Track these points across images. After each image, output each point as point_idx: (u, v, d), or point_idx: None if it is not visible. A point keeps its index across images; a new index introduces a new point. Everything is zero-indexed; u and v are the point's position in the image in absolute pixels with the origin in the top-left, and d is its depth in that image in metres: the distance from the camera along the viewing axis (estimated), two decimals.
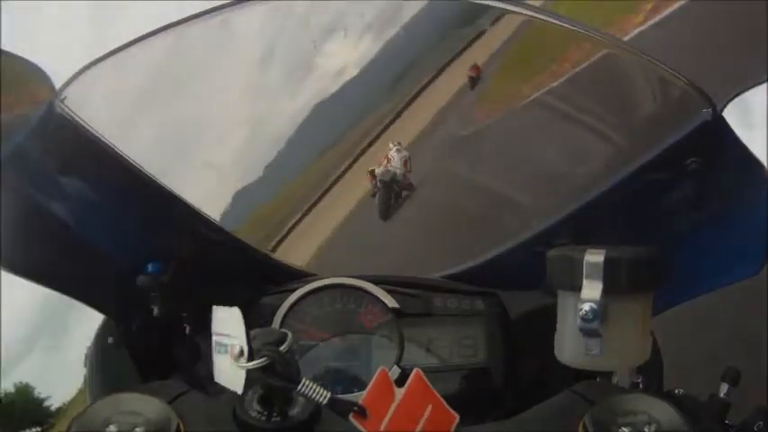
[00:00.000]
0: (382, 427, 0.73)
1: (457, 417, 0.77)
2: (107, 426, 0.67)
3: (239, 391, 0.71)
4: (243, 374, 0.70)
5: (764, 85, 0.93)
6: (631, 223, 1.13)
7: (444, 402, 0.78)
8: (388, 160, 3.80)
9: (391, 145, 3.86)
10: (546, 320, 0.92)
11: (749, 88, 0.97)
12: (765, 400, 0.88)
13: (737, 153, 0.97)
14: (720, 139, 0.98)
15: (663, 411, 0.71)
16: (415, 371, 0.78)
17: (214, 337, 0.78)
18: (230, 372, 0.73)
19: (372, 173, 3.88)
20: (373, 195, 3.90)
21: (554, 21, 1.03)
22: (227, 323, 0.74)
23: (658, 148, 1.05)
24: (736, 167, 1.00)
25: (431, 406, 0.76)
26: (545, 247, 0.96)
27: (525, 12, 1.07)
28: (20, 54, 0.92)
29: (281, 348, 0.70)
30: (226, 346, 0.75)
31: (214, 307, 0.79)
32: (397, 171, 3.83)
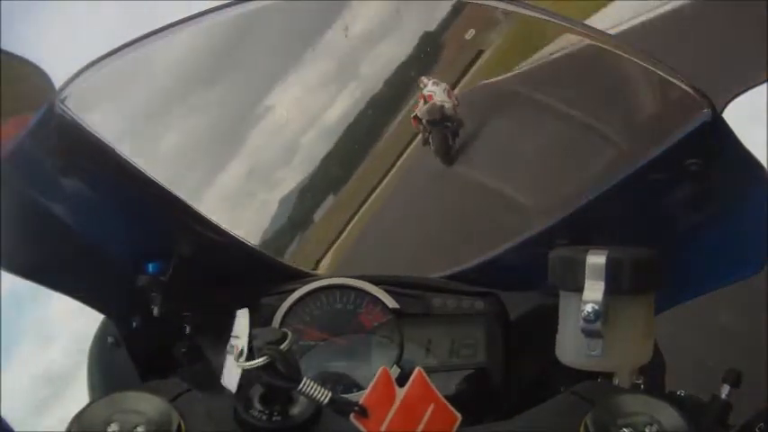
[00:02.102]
0: (383, 428, 0.73)
1: (459, 417, 0.77)
2: (108, 425, 0.67)
3: (233, 390, 0.71)
4: (238, 374, 0.70)
5: None
6: (631, 224, 1.13)
7: (446, 402, 0.78)
8: (425, 99, 3.28)
9: (425, 80, 3.30)
10: (546, 321, 0.92)
11: (749, 89, 0.97)
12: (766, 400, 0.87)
13: (737, 154, 0.97)
14: (720, 139, 0.98)
15: (664, 412, 0.71)
16: (417, 370, 0.78)
17: (231, 341, 0.78)
18: (228, 371, 0.73)
19: (416, 118, 3.35)
20: (425, 143, 3.36)
21: (553, 19, 1.04)
22: (238, 325, 0.75)
23: (658, 148, 1.05)
24: (735, 168, 1.00)
25: (433, 406, 0.76)
26: (545, 247, 0.96)
27: (524, 11, 1.07)
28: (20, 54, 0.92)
29: (282, 347, 0.71)
30: (232, 347, 0.75)
31: (238, 311, 0.79)
32: (446, 104, 3.28)
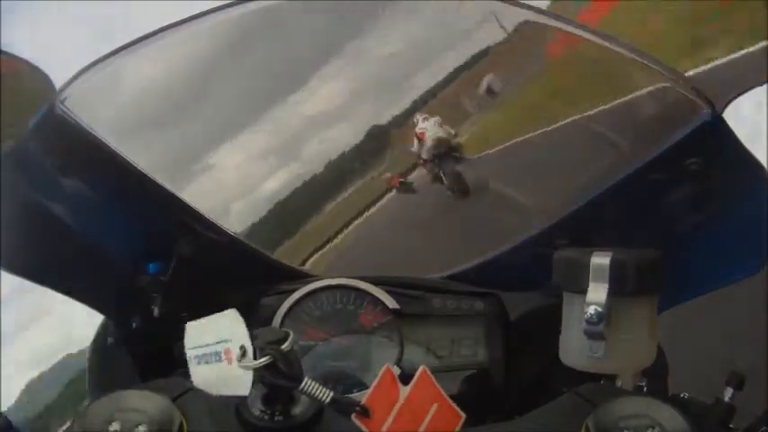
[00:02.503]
0: (385, 428, 0.73)
1: (462, 416, 0.77)
2: (110, 423, 0.67)
3: (246, 392, 0.71)
4: (249, 376, 0.70)
5: None
6: (631, 224, 1.13)
7: (450, 401, 0.77)
8: (418, 137, 3.16)
9: (418, 116, 3.19)
10: (546, 321, 0.92)
11: (749, 89, 0.97)
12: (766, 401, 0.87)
13: (737, 153, 0.97)
14: (720, 139, 0.98)
15: (666, 415, 0.71)
16: (421, 368, 0.78)
17: (191, 351, 0.77)
18: (228, 376, 0.73)
19: (424, 161, 3.23)
20: (434, 180, 3.25)
21: (553, 20, 1.03)
22: (225, 327, 0.74)
23: (658, 148, 1.05)
24: (735, 168, 1.00)
25: (436, 405, 0.76)
26: (545, 247, 0.96)
27: (523, 11, 1.07)
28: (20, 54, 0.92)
29: (283, 347, 0.70)
30: (219, 353, 0.74)
31: (187, 324, 0.78)
32: (443, 135, 3.15)
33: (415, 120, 3.01)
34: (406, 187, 3.53)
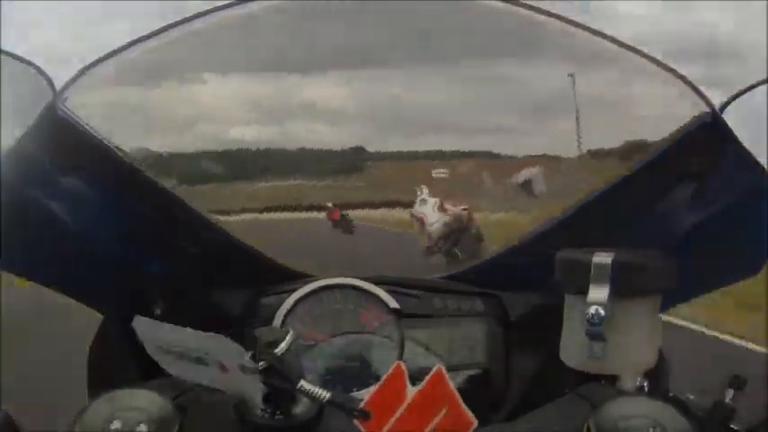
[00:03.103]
0: (386, 428, 0.73)
1: (474, 422, 0.76)
2: (110, 422, 0.67)
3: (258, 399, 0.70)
4: (258, 381, 0.69)
5: None
6: (631, 224, 1.13)
7: (463, 404, 0.76)
8: (423, 222, 2.89)
9: (419, 193, 2.91)
10: (546, 321, 0.92)
11: (749, 89, 0.97)
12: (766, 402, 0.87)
13: (737, 154, 0.97)
14: (720, 139, 0.98)
15: (667, 416, 0.71)
16: (436, 367, 0.77)
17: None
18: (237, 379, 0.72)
19: (432, 246, 2.99)
20: (448, 255, 3.01)
21: (554, 19, 1.03)
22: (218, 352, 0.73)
23: (658, 148, 1.05)
24: (735, 168, 1.00)
25: (446, 408, 0.75)
26: (545, 247, 0.96)
27: (514, 4, 1.06)
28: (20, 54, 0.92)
29: (278, 350, 0.70)
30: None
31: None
32: (448, 220, 2.88)
33: (417, 193, 2.78)
34: (345, 224, 3.42)
